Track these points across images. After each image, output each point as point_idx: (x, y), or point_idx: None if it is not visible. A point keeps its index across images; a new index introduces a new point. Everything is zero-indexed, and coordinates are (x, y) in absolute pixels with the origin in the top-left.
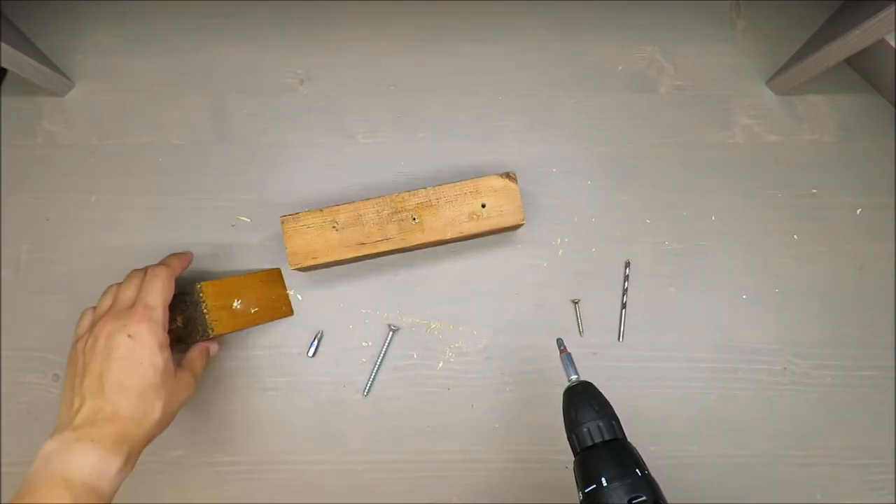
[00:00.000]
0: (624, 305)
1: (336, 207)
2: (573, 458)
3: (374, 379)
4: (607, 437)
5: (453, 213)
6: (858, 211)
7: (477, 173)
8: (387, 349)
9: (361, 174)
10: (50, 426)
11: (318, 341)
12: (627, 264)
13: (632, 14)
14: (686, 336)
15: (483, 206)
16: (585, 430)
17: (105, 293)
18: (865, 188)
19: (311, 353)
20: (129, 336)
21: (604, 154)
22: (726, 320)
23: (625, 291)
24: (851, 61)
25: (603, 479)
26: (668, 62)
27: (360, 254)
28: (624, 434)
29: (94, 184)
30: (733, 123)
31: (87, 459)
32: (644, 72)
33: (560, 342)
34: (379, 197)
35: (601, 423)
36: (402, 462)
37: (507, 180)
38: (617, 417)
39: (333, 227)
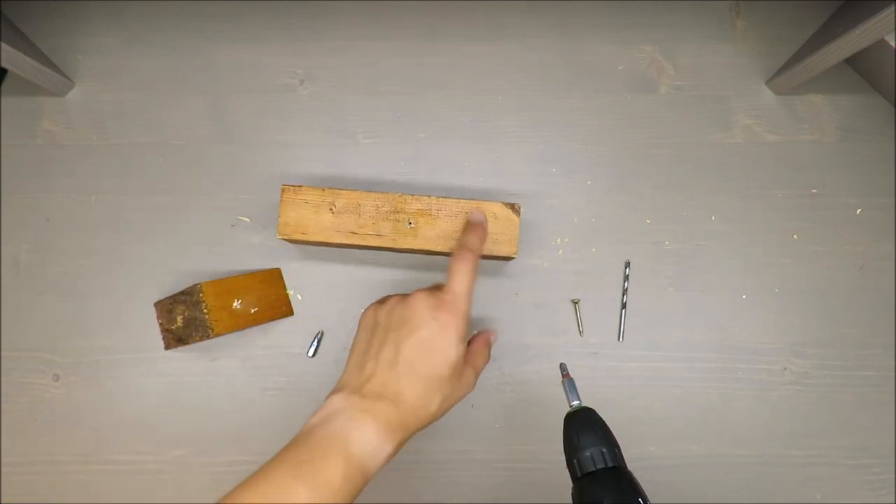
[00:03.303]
0: (624, 305)
1: (338, 190)
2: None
3: None
4: (610, 464)
5: (450, 227)
6: (858, 211)
7: (477, 173)
8: None
9: (361, 174)
10: (50, 426)
11: (318, 341)
12: (627, 264)
13: (632, 14)
14: (686, 336)
15: None
16: (588, 455)
17: None
18: (865, 188)
19: (311, 353)
20: (434, 320)
21: (604, 154)
22: (726, 320)
23: (625, 291)
24: (851, 61)
25: None
26: (668, 62)
27: (348, 242)
28: (625, 462)
29: (94, 184)
30: (733, 123)
31: (368, 437)
32: (644, 72)
33: (563, 367)
34: (382, 192)
35: (604, 450)
36: (402, 462)
37: (510, 211)
38: (619, 445)
39: (331, 209)
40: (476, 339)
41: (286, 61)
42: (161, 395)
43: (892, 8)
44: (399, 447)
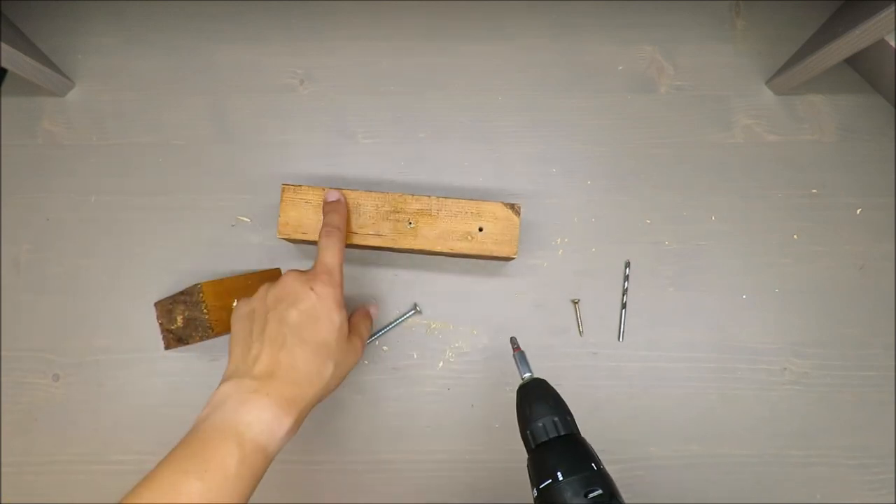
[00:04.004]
0: (624, 305)
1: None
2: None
3: (372, 340)
4: (562, 433)
5: (450, 228)
6: (858, 211)
7: (477, 173)
8: (398, 322)
9: (361, 174)
10: (50, 426)
11: None
12: (627, 264)
13: (632, 14)
14: (686, 336)
15: (480, 229)
16: (540, 425)
17: None
18: (865, 188)
19: None
20: (313, 290)
21: (604, 154)
22: (726, 320)
23: (625, 291)
24: (851, 61)
25: (558, 473)
26: (668, 62)
27: (348, 241)
28: (578, 430)
29: (94, 184)
30: (733, 123)
31: (261, 416)
32: (644, 72)
33: (513, 340)
34: (382, 192)
35: (556, 419)
36: (402, 462)
37: (510, 212)
38: (571, 413)
39: None
40: (357, 311)
41: (286, 61)
42: (161, 395)
43: (892, 8)
44: (300, 419)
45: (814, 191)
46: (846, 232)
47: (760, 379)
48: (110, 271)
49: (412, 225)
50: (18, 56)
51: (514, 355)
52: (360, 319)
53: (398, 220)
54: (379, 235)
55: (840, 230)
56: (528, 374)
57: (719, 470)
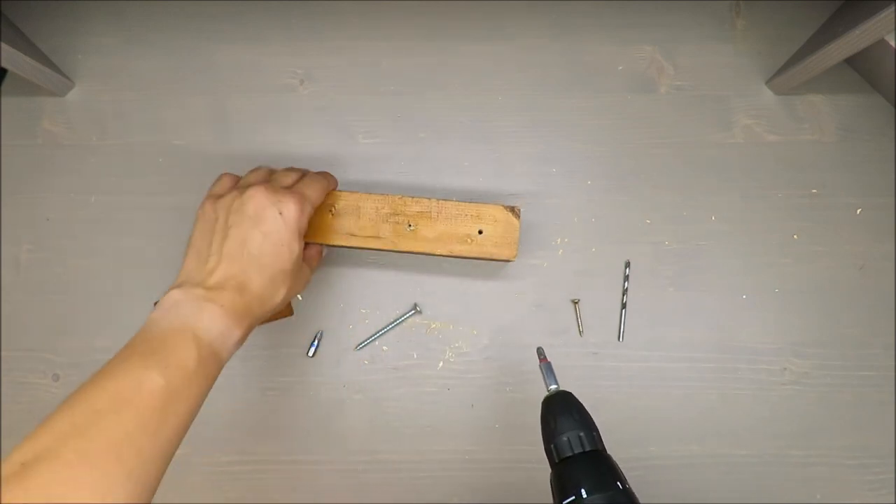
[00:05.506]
0: (624, 305)
1: (338, 192)
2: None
3: (371, 340)
4: (588, 448)
5: (449, 230)
6: (858, 211)
7: (477, 174)
8: (398, 322)
9: (361, 174)
10: None
11: (318, 341)
12: (627, 264)
13: (632, 14)
14: (686, 336)
15: (480, 232)
16: (565, 439)
17: (254, 170)
18: (865, 188)
19: (311, 353)
20: (280, 214)
21: (604, 154)
22: (726, 320)
23: (625, 291)
24: (851, 61)
25: (582, 490)
26: (668, 62)
27: (347, 244)
28: (604, 446)
29: (94, 184)
30: (733, 123)
31: (215, 323)
32: (644, 72)
33: (540, 351)
34: (382, 194)
35: (582, 434)
36: (402, 462)
37: (510, 214)
38: (597, 429)
39: (330, 210)
40: (310, 247)
41: (286, 61)
42: None
43: (892, 8)
44: (246, 334)
45: (814, 191)
46: (846, 232)
47: (760, 379)
48: (110, 271)
49: (412, 227)
50: (18, 56)
51: (539, 366)
52: (314, 254)
53: (398, 223)
54: (378, 238)
55: (840, 230)
56: (553, 386)
57: (719, 470)
